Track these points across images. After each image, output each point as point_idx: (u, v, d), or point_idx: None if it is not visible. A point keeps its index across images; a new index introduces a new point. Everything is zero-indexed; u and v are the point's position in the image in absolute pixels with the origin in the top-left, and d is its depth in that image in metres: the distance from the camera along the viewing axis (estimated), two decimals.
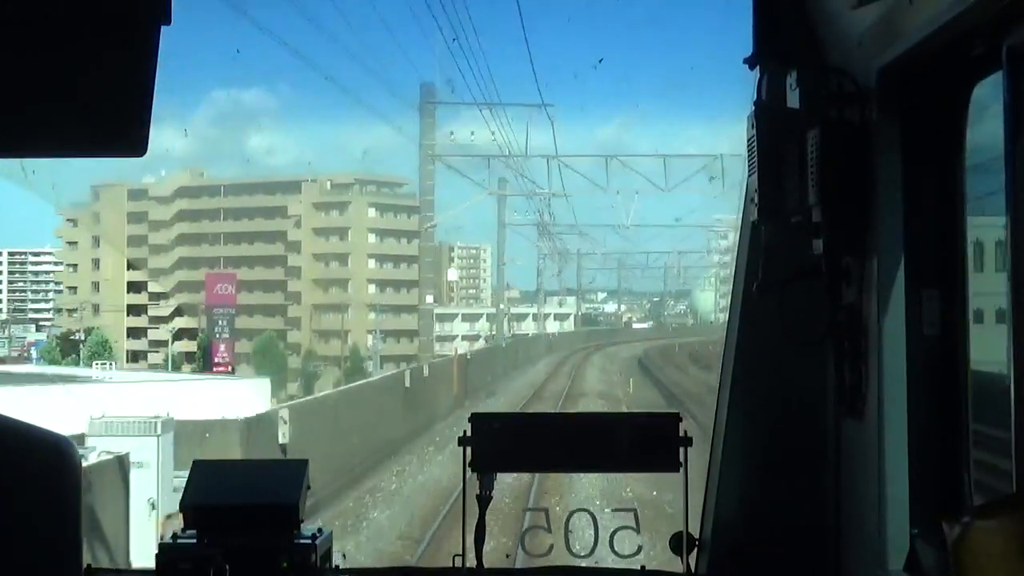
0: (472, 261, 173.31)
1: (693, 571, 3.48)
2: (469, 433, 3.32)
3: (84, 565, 3.03)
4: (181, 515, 3.18)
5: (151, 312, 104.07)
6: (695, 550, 3.48)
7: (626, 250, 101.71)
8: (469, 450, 3.31)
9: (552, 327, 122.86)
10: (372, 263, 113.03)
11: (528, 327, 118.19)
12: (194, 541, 3.16)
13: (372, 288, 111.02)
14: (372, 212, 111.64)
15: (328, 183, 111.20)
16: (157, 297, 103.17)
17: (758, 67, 3.15)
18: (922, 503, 3.03)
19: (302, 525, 3.16)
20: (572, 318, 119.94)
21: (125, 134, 2.25)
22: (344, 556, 3.33)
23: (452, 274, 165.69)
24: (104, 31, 2.08)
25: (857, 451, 3.26)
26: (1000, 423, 2.86)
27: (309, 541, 3.10)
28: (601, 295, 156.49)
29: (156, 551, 3.10)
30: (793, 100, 3.08)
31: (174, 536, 3.23)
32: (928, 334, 3.02)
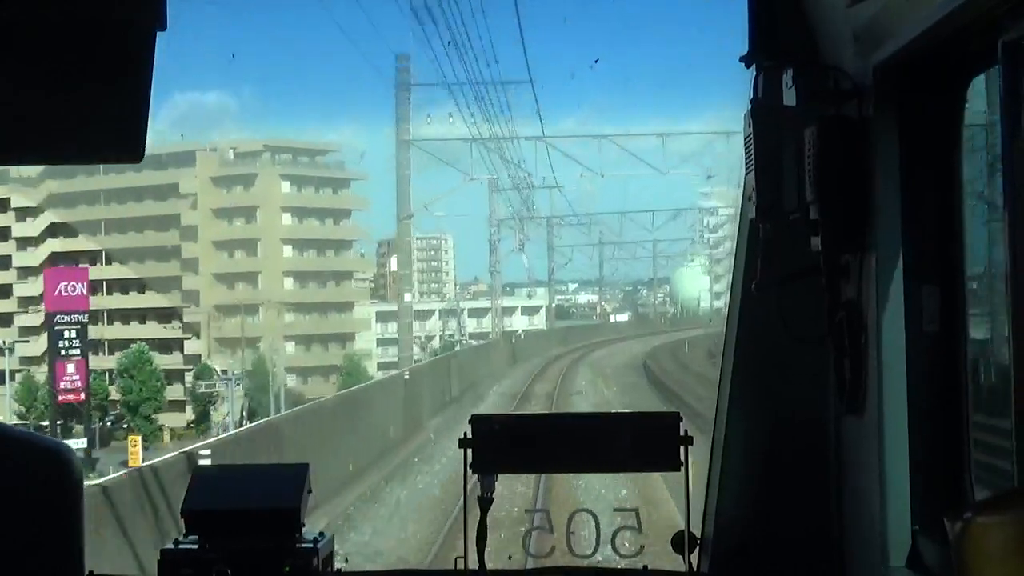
0: (433, 252, 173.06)
1: (695, 570, 4.04)
2: (469, 435, 3.88)
3: (86, 572, 3.47)
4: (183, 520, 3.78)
5: (18, 323, 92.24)
6: (697, 549, 4.05)
7: (607, 227, 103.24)
8: (470, 452, 3.88)
9: (519, 322, 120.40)
10: (288, 250, 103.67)
11: (491, 324, 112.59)
12: (196, 546, 3.67)
13: (289, 283, 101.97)
14: (287, 187, 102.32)
15: (231, 152, 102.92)
16: (28, 303, 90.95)
17: (754, 65, 3.67)
18: (923, 499, 3.55)
19: (304, 529, 3.69)
20: (544, 311, 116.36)
21: (122, 140, 2.64)
22: (347, 560, 3.95)
23: (395, 263, 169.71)
24: (101, 37, 2.43)
25: (858, 448, 3.78)
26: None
27: (311, 545, 3.64)
28: (572, 285, 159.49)
29: (158, 557, 3.66)
30: (790, 98, 3.63)
31: (176, 541, 3.73)
32: (928, 330, 3.55)
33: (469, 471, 3.93)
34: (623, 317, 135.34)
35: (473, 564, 3.94)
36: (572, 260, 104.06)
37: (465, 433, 3.92)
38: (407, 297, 58.88)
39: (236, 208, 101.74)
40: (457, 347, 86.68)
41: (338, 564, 3.88)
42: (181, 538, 3.75)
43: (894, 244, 3.57)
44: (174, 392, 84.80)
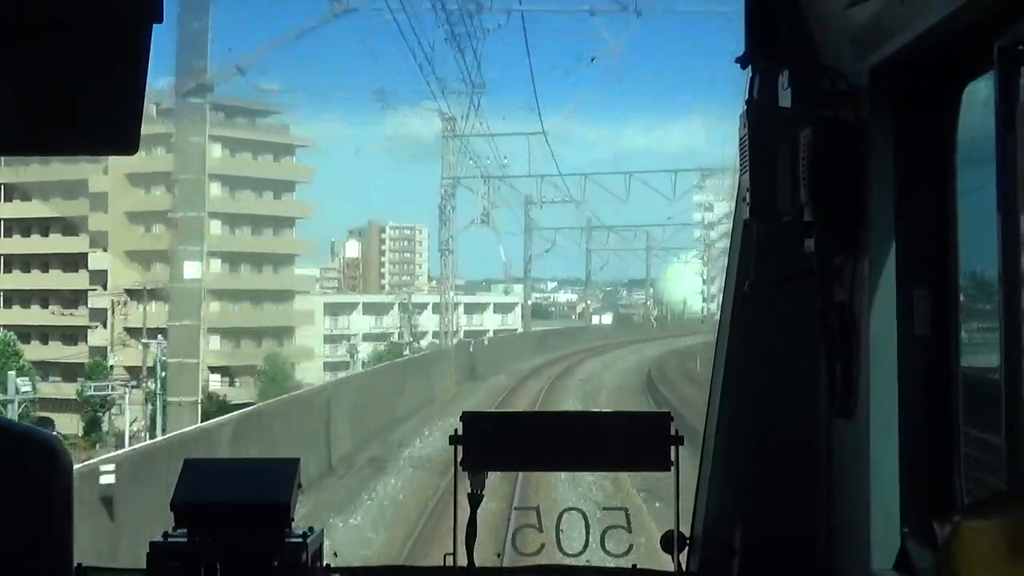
0: (406, 243, 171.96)
1: (684, 570, 4.59)
2: (460, 432, 4.42)
3: (75, 563, 3.96)
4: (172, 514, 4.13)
5: None
6: (686, 549, 4.60)
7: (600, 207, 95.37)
8: (460, 448, 4.43)
9: (491, 321, 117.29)
10: (217, 226, 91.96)
11: (469, 321, 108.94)
12: (185, 540, 4.14)
13: (216, 265, 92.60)
14: (219, 150, 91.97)
15: (153, 107, 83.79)
16: None
17: (751, 66, 4.15)
18: (913, 502, 4.01)
19: (293, 524, 4.16)
20: (519, 310, 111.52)
21: (117, 132, 2.95)
22: (335, 555, 4.45)
23: (352, 248, 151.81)
24: (96, 30, 2.65)
25: (848, 450, 4.23)
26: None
27: (300, 540, 4.11)
28: (551, 283, 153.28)
29: (147, 550, 4.08)
30: (785, 99, 4.10)
31: (165, 535, 4.17)
32: (919, 334, 4.03)
33: (459, 468, 4.45)
34: (607, 319, 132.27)
35: (462, 561, 4.48)
36: (554, 245, 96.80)
37: (456, 430, 4.44)
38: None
39: (155, 174, 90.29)
40: (407, 351, 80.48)
41: (327, 559, 4.38)
42: (170, 531, 4.19)
43: (887, 247, 4.02)
44: (69, 392, 79.42)
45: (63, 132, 3.01)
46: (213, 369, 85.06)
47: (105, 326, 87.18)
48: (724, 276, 4.93)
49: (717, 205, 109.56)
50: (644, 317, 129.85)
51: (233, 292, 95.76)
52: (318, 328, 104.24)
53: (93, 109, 2.90)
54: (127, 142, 2.98)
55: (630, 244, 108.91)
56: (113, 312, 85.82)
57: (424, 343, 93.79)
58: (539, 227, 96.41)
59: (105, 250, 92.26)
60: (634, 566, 4.64)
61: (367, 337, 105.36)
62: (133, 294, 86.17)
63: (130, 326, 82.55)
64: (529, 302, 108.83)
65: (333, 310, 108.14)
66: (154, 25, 2.70)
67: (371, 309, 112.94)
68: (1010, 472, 3.66)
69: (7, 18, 2.59)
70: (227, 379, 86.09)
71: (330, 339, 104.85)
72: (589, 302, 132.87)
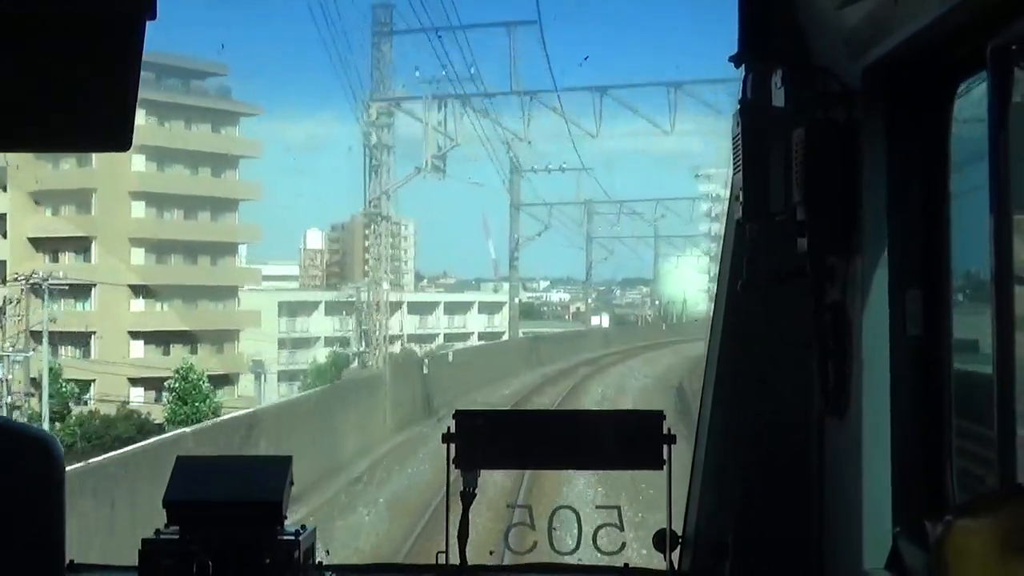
0: (392, 239, 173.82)
1: (676, 568, 5.01)
2: (453, 430, 4.83)
3: (67, 560, 4.37)
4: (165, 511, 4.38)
5: None
6: (678, 547, 5.01)
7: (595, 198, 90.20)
8: (453, 447, 4.85)
9: (475, 323, 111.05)
10: (140, 208, 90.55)
11: (446, 323, 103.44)
12: (177, 537, 4.55)
13: (140, 255, 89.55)
14: (142, 116, 77.78)
15: None
16: None
17: (744, 65, 4.54)
18: (905, 502, 4.36)
19: (285, 522, 4.57)
20: (507, 310, 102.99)
21: (109, 129, 3.21)
22: (328, 552, 4.84)
23: (313, 238, 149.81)
24: (89, 26, 2.92)
25: (840, 450, 4.56)
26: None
27: (292, 537, 4.54)
28: (544, 283, 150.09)
29: (139, 547, 4.49)
30: (779, 99, 4.47)
31: (157, 532, 4.56)
32: (912, 334, 4.39)
33: (452, 466, 4.87)
34: (604, 320, 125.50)
35: (455, 559, 4.91)
36: (550, 224, 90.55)
37: (449, 428, 4.86)
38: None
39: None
40: (356, 363, 68.17)
41: (320, 557, 4.80)
42: (162, 528, 4.59)
43: (880, 247, 4.35)
44: None
45: (54, 128, 3.29)
46: (134, 382, 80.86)
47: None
48: (717, 273, 5.26)
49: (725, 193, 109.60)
50: (642, 317, 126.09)
51: (161, 288, 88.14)
52: (269, 330, 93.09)
53: (85, 105, 3.15)
54: (119, 138, 3.25)
55: (639, 224, 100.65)
56: (6, 310, 74.21)
57: (394, 350, 75.72)
58: (529, 203, 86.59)
59: (3, 236, 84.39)
60: (626, 565, 5.07)
61: (329, 341, 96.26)
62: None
63: (33, 328, 72.47)
64: (517, 300, 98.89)
65: (291, 310, 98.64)
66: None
67: (335, 309, 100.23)
68: (1002, 471, 3.97)
69: None
70: (152, 393, 77.93)
71: (289, 343, 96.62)
72: (590, 300, 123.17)
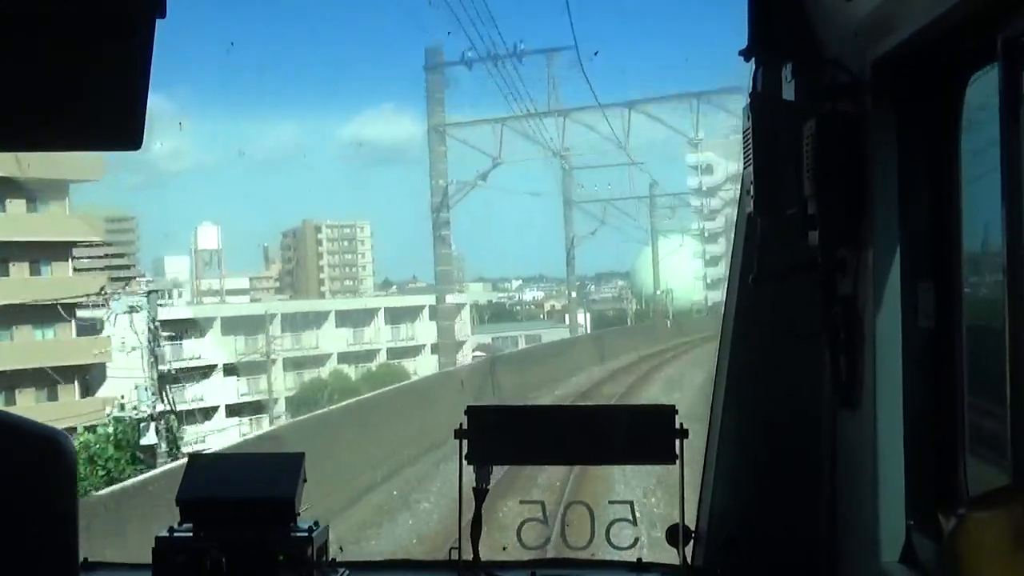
0: (347, 244, 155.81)
1: (689, 563, 5.02)
2: (465, 426, 4.88)
3: (81, 558, 4.32)
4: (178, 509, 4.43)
5: None
6: (691, 542, 5.02)
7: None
8: (465, 443, 4.90)
9: (426, 333, 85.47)
10: None
11: (395, 335, 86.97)
12: (190, 534, 4.60)
13: None
14: None
15: None
16: None
17: (754, 59, 4.54)
18: (918, 495, 4.36)
19: (298, 518, 4.61)
20: (467, 311, 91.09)
21: (121, 128, 3.23)
22: (341, 549, 4.88)
23: (206, 236, 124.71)
24: (100, 25, 2.97)
25: (853, 443, 4.56)
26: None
27: (305, 534, 4.59)
28: (516, 282, 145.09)
29: (152, 544, 4.53)
30: (789, 92, 4.47)
31: (170, 529, 4.61)
32: (923, 326, 4.39)
33: (464, 462, 4.91)
34: (580, 318, 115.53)
35: (468, 555, 4.95)
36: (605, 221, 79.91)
37: (461, 424, 4.89)
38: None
39: None
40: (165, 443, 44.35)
41: (332, 553, 4.81)
42: (176, 526, 4.62)
43: (891, 239, 4.36)
44: None
45: (66, 127, 3.32)
46: None
47: None
48: (728, 267, 5.28)
49: (718, 167, 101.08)
50: (636, 314, 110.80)
51: None
52: (129, 364, 52.39)
53: (97, 104, 3.21)
54: (131, 137, 3.30)
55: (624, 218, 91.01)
56: None
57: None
58: (505, 188, 71.30)
59: None
60: (639, 559, 5.09)
61: (229, 370, 71.66)
62: None
63: None
64: (471, 303, 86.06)
65: (174, 329, 62.32)
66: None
67: (231, 327, 76.96)
68: (1015, 463, 3.96)
69: (10, 12, 2.88)
70: None
71: (187, 371, 59.02)
72: (573, 295, 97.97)
